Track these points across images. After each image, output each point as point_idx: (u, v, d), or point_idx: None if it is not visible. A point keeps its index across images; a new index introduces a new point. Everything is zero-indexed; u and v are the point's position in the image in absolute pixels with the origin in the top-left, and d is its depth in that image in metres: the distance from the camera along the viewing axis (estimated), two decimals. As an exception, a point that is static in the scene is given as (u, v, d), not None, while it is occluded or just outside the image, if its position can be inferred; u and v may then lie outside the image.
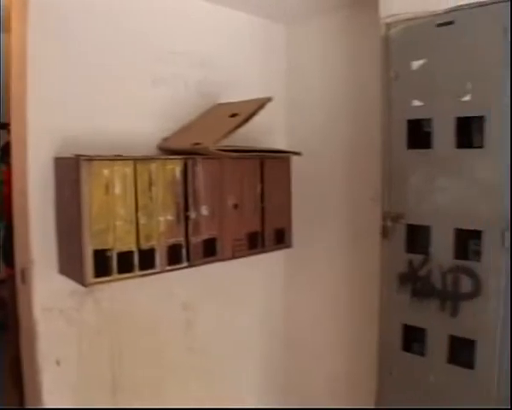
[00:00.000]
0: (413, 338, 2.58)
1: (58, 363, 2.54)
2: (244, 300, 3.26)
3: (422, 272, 2.49)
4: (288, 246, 3.04)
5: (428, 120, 2.45)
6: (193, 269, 2.66)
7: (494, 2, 2.25)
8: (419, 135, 2.49)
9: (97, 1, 2.56)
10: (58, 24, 2.45)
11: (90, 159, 2.29)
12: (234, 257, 2.76)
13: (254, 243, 2.85)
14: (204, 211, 2.63)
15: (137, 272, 2.45)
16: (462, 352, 2.44)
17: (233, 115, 2.67)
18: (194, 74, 2.89)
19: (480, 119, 2.31)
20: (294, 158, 3.04)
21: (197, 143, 2.55)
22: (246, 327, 3.30)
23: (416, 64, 2.45)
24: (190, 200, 2.57)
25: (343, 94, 3.17)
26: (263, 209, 2.87)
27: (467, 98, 2.33)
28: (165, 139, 2.77)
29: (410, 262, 2.52)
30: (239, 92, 2.88)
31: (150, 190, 2.45)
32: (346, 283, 3.24)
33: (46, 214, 2.46)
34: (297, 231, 3.15)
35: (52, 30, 2.43)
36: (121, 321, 2.71)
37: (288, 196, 3.01)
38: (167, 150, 2.72)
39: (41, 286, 2.47)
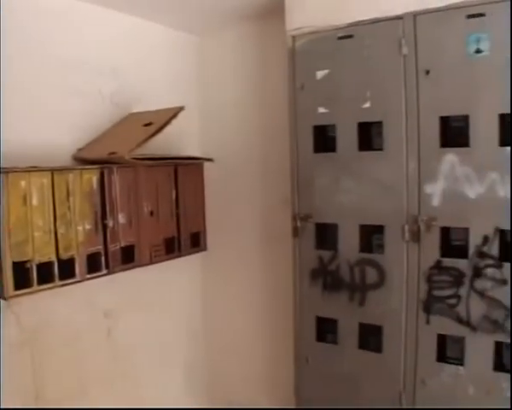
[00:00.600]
0: (326, 329, 2.75)
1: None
2: (164, 304, 3.30)
3: (332, 267, 2.67)
4: (204, 249, 3.13)
5: (333, 126, 2.64)
6: (113, 276, 2.68)
7: (389, 19, 2.47)
8: (325, 140, 2.68)
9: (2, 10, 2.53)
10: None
11: (7, 171, 2.27)
12: (152, 262, 2.81)
13: (171, 248, 2.91)
14: (121, 219, 2.66)
15: (58, 283, 2.44)
16: (370, 338, 2.64)
17: (147, 125, 2.72)
18: (108, 85, 2.89)
19: (379, 124, 2.52)
20: (209, 164, 3.14)
21: (113, 153, 2.58)
22: (167, 331, 3.34)
23: (320, 74, 2.63)
24: (107, 208, 2.60)
25: (254, 102, 3.30)
26: (178, 215, 2.94)
27: (367, 105, 2.54)
28: (81, 149, 2.77)
29: (320, 258, 2.70)
30: (153, 102, 2.91)
31: (68, 200, 2.46)
32: (261, 282, 3.37)
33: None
34: (213, 235, 3.26)
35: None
36: (42, 332, 2.67)
37: (201, 201, 3.10)
38: (83, 160, 2.72)
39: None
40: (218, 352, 3.63)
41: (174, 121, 2.78)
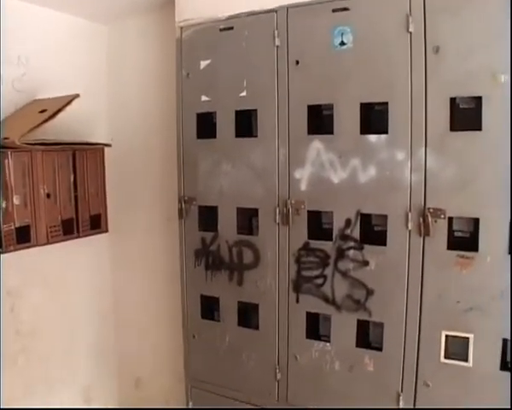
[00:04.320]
0: (210, 307, 2.74)
1: None
2: (71, 284, 3.25)
3: (213, 248, 2.66)
4: (105, 231, 3.09)
5: (214, 113, 2.61)
6: (17, 255, 2.65)
7: (264, 12, 2.45)
8: (206, 127, 2.64)
9: None
10: None
11: None
12: (49, 242, 2.77)
13: (69, 229, 2.87)
14: (16, 200, 2.62)
15: None
16: (249, 315, 2.62)
17: (42, 111, 2.67)
18: (11, 71, 2.83)
19: (255, 112, 2.49)
20: (114, 149, 3.10)
21: (6, 138, 2.54)
22: (75, 310, 3.29)
23: (203, 64, 2.60)
24: (0, 191, 2.55)
25: (154, 91, 3.25)
26: (76, 197, 2.90)
27: (243, 94, 2.50)
28: (-17, 135, 2.73)
29: (203, 239, 2.69)
30: (60, 90, 2.85)
31: (-40, 181, 2.42)
32: (160, 261, 3.33)
33: None
34: (117, 217, 3.24)
35: None
36: None
37: (102, 185, 3.05)
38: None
39: None
40: (125, 331, 3.60)
41: (84, 108, 2.77)
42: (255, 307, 2.58)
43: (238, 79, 2.52)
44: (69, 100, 2.69)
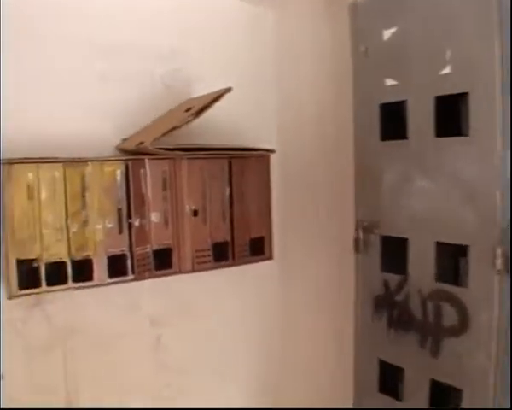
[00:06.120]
0: (390, 378, 1.87)
1: (2, 377, 2.11)
2: (228, 316, 2.64)
3: (400, 297, 1.79)
4: (268, 257, 2.39)
5: (403, 103, 1.74)
6: (162, 281, 2.13)
7: None
8: (395, 122, 1.79)
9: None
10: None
11: (11, 162, 1.83)
12: (194, 270, 2.17)
13: (222, 255, 2.24)
14: (154, 218, 2.08)
15: (71, 285, 1.95)
16: (447, 401, 1.71)
17: (188, 110, 2.10)
18: (160, 67, 2.33)
19: (464, 96, 1.58)
20: (276, 155, 2.41)
21: (141, 143, 2.01)
22: (230, 347, 2.68)
23: (387, 34, 1.75)
24: (133, 206, 2.03)
25: (326, 80, 2.42)
26: (232, 216, 2.26)
27: (446, 71, 1.60)
28: (125, 140, 2.26)
29: (386, 283, 1.83)
30: (217, 86, 2.27)
31: (83, 195, 1.95)
32: (329, 299, 2.52)
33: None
34: (280, 241, 2.49)
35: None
36: (76, 335, 2.22)
37: (266, 201, 2.36)
38: (124, 151, 2.21)
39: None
40: (282, 372, 2.83)
41: (249, 108, 2.21)
42: (457, 392, 1.64)
43: (438, 50, 1.62)
44: (217, 96, 2.07)
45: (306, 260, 2.64)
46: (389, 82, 1.75)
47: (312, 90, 2.53)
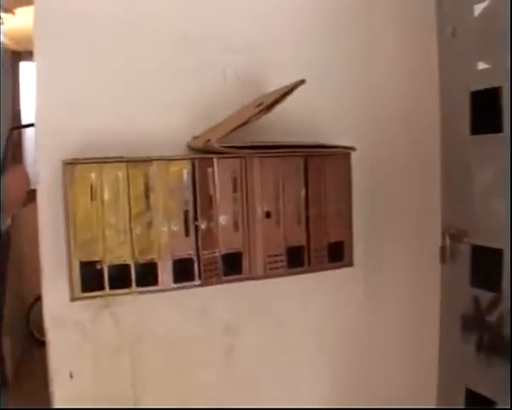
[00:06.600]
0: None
1: (71, 376, 2.08)
2: (305, 324, 2.44)
3: (492, 318, 1.50)
4: (348, 264, 2.16)
5: (498, 90, 1.46)
6: (235, 284, 2.00)
7: None
8: (489, 113, 1.51)
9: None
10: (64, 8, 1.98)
11: (74, 162, 1.78)
12: (267, 276, 2.00)
13: (297, 260, 2.04)
14: (223, 220, 1.95)
15: (135, 289, 1.86)
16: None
17: (259, 105, 1.94)
18: (233, 61, 2.18)
19: None
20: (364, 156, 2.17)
21: (208, 140, 1.89)
22: (306, 360, 2.48)
23: (478, 8, 1.48)
24: (199, 207, 1.91)
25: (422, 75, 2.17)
26: (308, 219, 2.07)
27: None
28: (196, 137, 2.14)
29: (476, 301, 1.55)
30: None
31: (147, 196, 1.85)
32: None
33: (56, 221, 1.99)
34: (358, 246, 2.23)
35: (58, 14, 1.97)
36: (145, 338, 2.14)
37: (346, 203, 2.13)
38: (194, 150, 2.09)
39: (51, 295, 2.04)
40: (359, 391, 2.55)
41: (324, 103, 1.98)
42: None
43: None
44: (288, 89, 1.88)
45: (388, 267, 2.37)
46: (481, 66, 1.49)
47: (395, 81, 2.27)
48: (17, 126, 6.48)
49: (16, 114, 7.92)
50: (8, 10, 4.08)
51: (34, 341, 5.19)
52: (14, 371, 5.01)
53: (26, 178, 2.50)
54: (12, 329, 5.12)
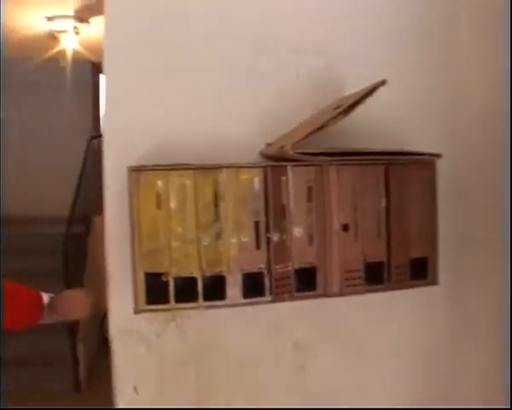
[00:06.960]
0: None
1: (135, 389, 2.03)
2: (382, 346, 2.26)
3: None
4: (432, 282, 1.95)
5: None
6: (311, 302, 1.87)
7: None
8: None
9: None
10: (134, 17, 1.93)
11: (139, 169, 1.72)
12: (342, 293, 1.85)
13: (376, 277, 1.87)
14: (297, 233, 1.82)
15: (202, 303, 1.77)
16: None
17: (337, 108, 1.80)
18: (305, 63, 2.05)
19: None
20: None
21: (282, 147, 1.77)
22: (386, 380, 2.28)
23: None
24: (271, 218, 1.79)
25: None
26: (389, 232, 1.90)
27: None
28: (269, 144, 2.03)
29: None
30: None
31: (216, 205, 1.75)
32: None
33: (123, 230, 1.93)
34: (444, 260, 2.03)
35: (128, 24, 1.93)
36: (211, 354, 2.07)
37: (432, 215, 1.92)
38: (267, 158, 1.98)
39: (117, 306, 1.99)
40: None
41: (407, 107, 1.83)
42: None
43: None
44: (368, 90, 1.73)
45: (475, 282, 2.17)
46: None
47: (485, 85, 2.06)
48: (96, 136, 6.66)
49: (96, 123, 8.20)
50: (83, 20, 4.13)
51: (108, 348, 5.25)
52: (86, 377, 5.11)
53: (82, 303, 2.51)
54: (87, 336, 5.23)
